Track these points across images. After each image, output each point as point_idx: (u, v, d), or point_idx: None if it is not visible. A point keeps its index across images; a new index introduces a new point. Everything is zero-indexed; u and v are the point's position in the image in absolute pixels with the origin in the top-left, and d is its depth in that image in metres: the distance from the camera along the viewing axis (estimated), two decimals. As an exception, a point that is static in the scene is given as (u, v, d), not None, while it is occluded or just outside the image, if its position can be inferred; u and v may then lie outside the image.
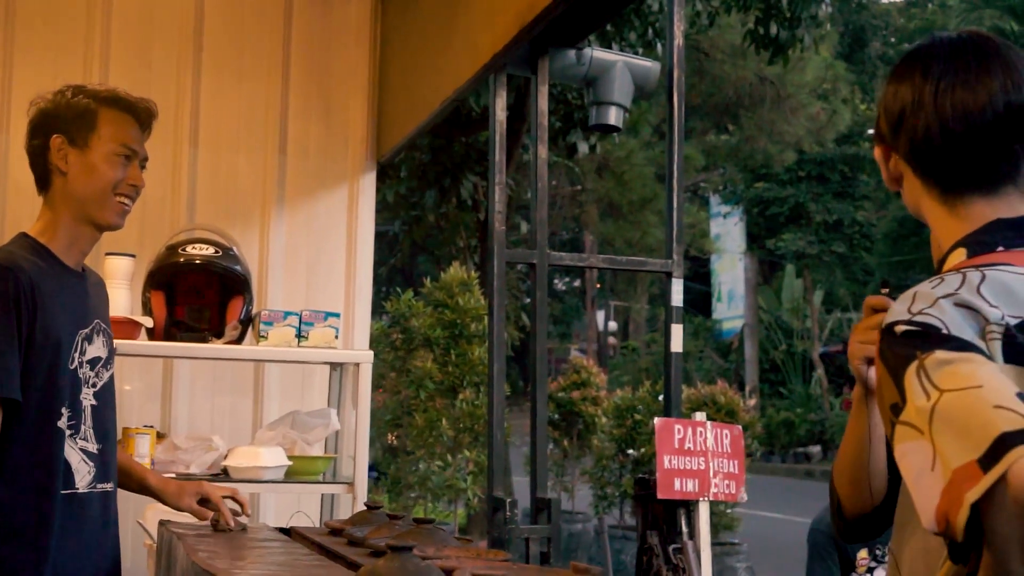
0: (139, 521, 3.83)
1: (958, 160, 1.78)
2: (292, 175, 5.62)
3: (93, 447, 2.88)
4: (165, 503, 3.25)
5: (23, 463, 2.73)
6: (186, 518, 3.61)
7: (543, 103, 6.00)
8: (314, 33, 5.72)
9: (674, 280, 6.25)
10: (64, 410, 2.79)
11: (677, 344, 6.26)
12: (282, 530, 3.43)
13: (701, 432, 5.89)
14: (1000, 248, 1.70)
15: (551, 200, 22.19)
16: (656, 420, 5.87)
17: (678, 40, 6.25)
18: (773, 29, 11.38)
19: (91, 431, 2.88)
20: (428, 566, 2.23)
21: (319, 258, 5.63)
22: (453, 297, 9.05)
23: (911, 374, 1.53)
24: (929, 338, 1.56)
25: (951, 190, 1.80)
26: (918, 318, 1.58)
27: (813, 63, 17.96)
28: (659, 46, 11.24)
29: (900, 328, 1.59)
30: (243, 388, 5.38)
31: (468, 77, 4.33)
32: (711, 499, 5.90)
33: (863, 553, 6.37)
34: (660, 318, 35.97)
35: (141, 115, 2.97)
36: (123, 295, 4.20)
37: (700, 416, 6.01)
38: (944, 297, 1.60)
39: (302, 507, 4.66)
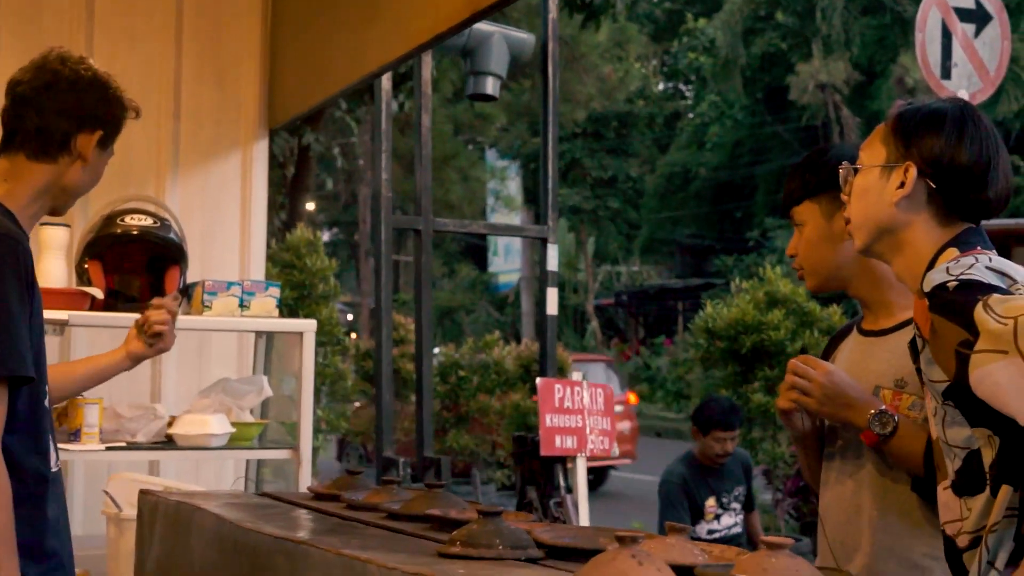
0: (105, 490, 3.85)
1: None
2: (185, 141, 5.57)
3: (54, 424, 2.83)
4: (122, 368, 3.19)
5: (23, 446, 2.56)
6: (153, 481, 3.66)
7: (427, 72, 6.15)
8: (205, -6, 5.66)
9: (550, 246, 6.52)
10: (46, 388, 2.68)
11: (552, 307, 6.54)
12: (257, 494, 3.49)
13: (578, 391, 6.18)
14: (978, 248, 2.23)
15: (353, 158, 22.08)
16: (539, 380, 6.13)
17: (552, 13, 6.49)
18: (588, -7, 11.61)
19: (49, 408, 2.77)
20: (519, 529, 2.34)
21: (213, 226, 5.59)
22: (301, 258, 9.09)
23: (979, 311, 1.99)
24: (980, 287, 2.05)
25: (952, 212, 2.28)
26: (963, 277, 2.08)
27: (605, 25, 18.42)
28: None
29: (951, 284, 2.07)
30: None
31: (398, 55, 4.40)
32: (588, 455, 6.21)
33: (711, 501, 6.80)
34: (434, 274, 36.16)
35: None
36: (59, 266, 4.16)
37: (577, 376, 6.31)
38: (974, 265, 2.12)
39: (228, 472, 4.72)
